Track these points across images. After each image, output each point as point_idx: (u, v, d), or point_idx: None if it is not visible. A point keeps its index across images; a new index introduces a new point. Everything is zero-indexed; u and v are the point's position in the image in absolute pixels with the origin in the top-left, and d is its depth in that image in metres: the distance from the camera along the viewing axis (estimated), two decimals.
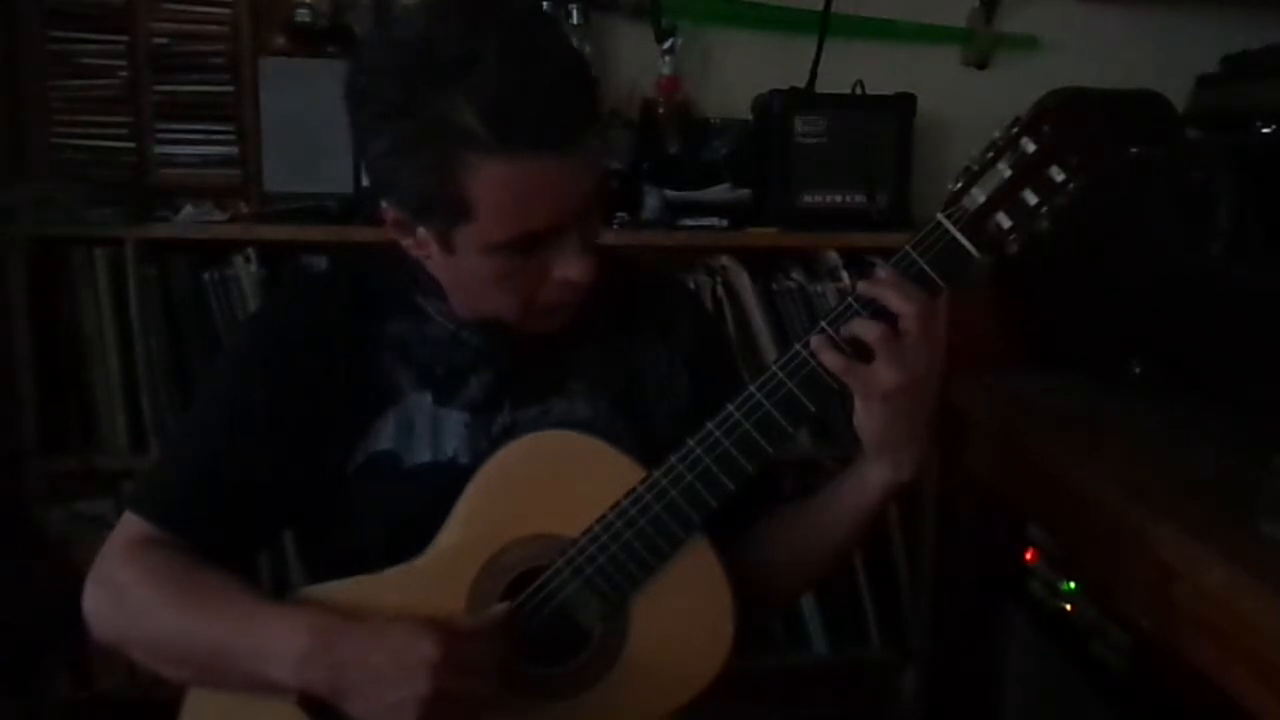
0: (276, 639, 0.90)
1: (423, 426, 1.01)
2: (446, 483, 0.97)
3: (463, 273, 0.97)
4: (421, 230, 0.95)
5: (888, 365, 0.89)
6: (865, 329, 0.89)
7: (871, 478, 0.97)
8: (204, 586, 0.94)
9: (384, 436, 1.01)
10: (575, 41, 1.82)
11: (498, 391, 1.03)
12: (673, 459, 0.94)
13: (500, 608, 0.94)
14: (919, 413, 0.92)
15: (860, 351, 0.90)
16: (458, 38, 0.85)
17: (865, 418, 0.93)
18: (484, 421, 1.02)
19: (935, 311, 0.90)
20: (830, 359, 0.90)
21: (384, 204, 0.95)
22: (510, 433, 1.01)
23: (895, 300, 0.89)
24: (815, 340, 0.91)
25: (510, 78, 0.84)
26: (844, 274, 1.94)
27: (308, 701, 0.90)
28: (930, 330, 0.89)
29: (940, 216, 0.91)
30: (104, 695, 1.85)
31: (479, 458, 0.99)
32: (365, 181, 1.82)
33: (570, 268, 0.94)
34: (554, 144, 0.87)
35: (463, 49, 0.85)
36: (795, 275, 1.98)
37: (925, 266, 0.90)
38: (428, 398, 1.02)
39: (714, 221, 1.93)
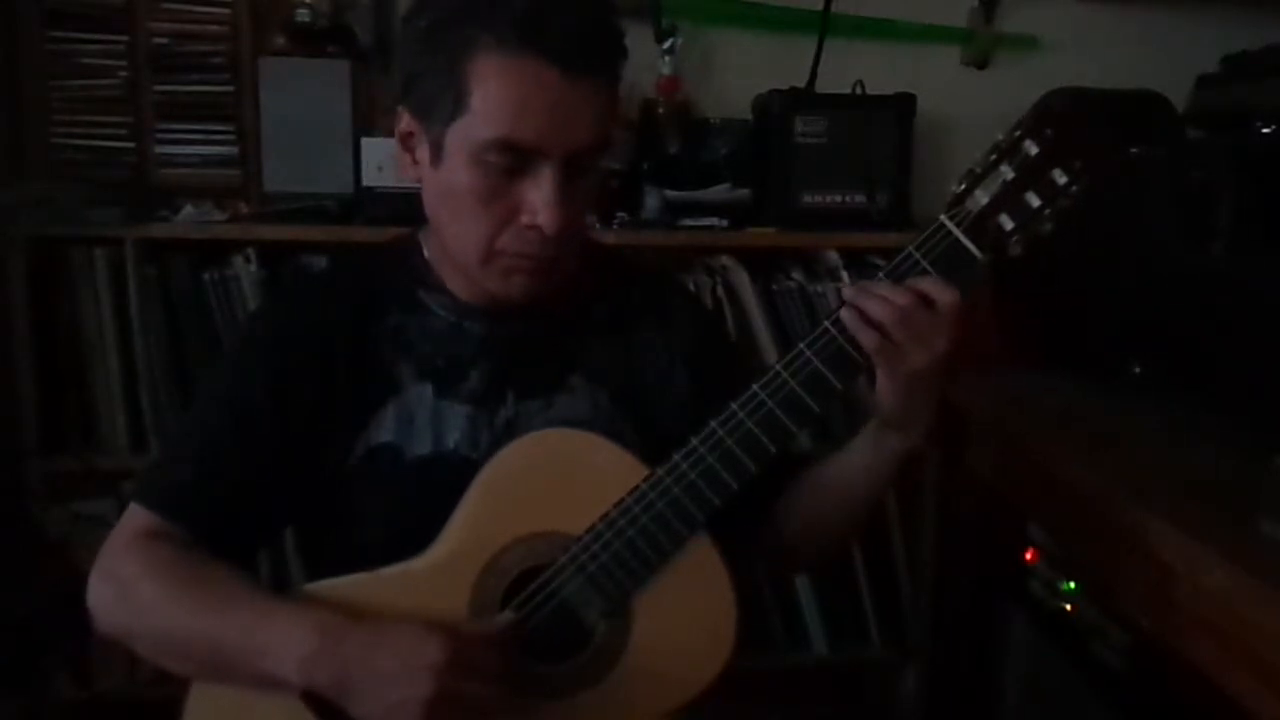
0: (282, 637, 0.90)
1: (423, 418, 1.02)
2: (447, 475, 0.98)
3: (444, 190, 0.97)
4: (423, 147, 0.97)
5: (917, 347, 0.90)
6: (907, 305, 0.90)
7: (889, 445, 1.00)
8: (209, 582, 0.94)
9: (384, 429, 1.01)
10: None
11: (499, 384, 1.03)
12: (676, 456, 0.94)
13: (505, 617, 0.94)
14: (935, 390, 0.95)
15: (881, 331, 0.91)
16: None
17: (887, 392, 0.94)
18: (486, 414, 1.03)
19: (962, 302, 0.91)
20: (866, 337, 0.91)
21: (400, 110, 0.99)
22: (512, 426, 1.02)
23: (934, 289, 0.90)
24: (847, 317, 0.91)
25: None
26: (844, 274, 1.94)
27: (312, 696, 0.90)
28: (958, 318, 0.91)
29: (943, 218, 0.91)
30: (104, 695, 1.85)
31: (480, 450, 0.99)
32: (366, 181, 1.83)
33: (539, 213, 0.93)
34: (565, 61, 0.90)
35: None
36: (795, 275, 1.98)
37: (928, 267, 0.91)
38: (429, 389, 1.02)
39: (714, 221, 1.93)
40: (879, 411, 0.97)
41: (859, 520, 1.10)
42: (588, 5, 0.93)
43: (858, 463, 1.03)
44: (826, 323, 0.93)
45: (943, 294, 0.90)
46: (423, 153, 0.98)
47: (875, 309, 0.90)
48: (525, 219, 0.95)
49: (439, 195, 0.99)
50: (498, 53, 0.90)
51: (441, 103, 0.93)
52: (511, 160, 0.92)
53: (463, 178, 0.94)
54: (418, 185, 1.02)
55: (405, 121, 0.98)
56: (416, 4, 0.97)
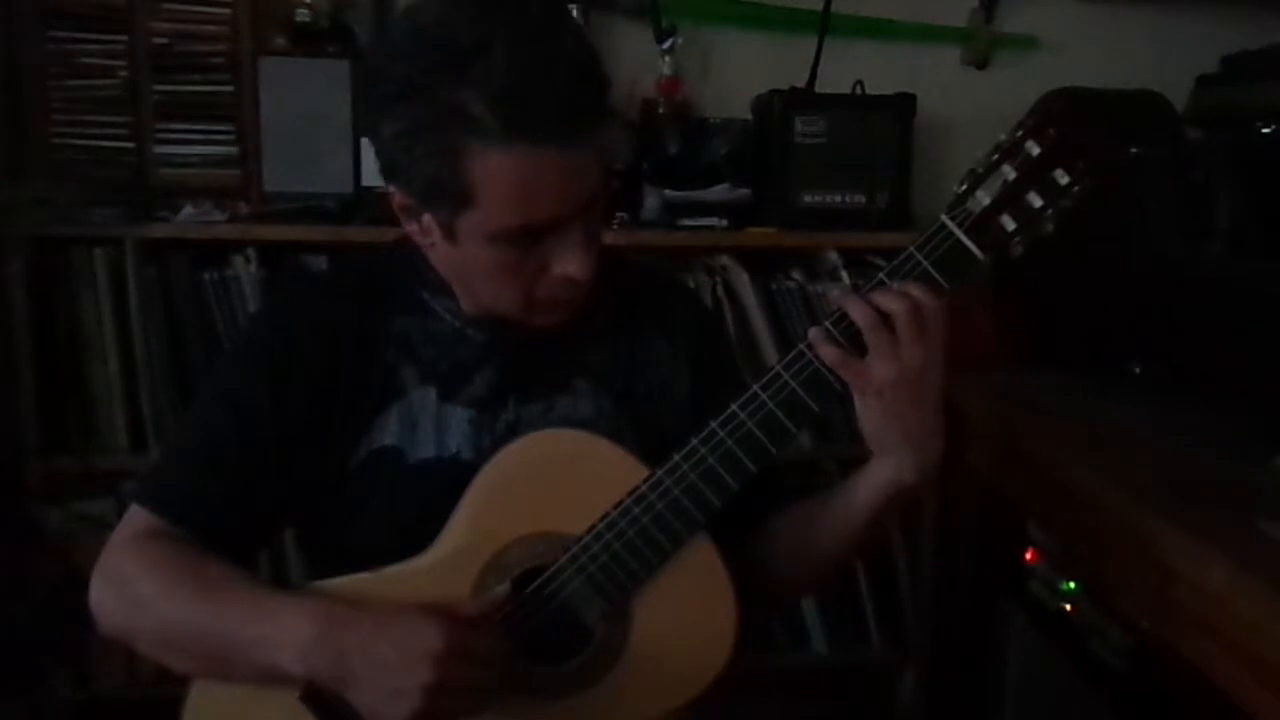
0: (282, 627, 0.90)
1: (426, 423, 1.02)
2: (449, 479, 0.98)
3: (465, 262, 0.97)
4: (426, 216, 0.95)
5: (880, 360, 0.90)
6: (860, 319, 0.90)
7: (873, 477, 0.97)
8: (209, 577, 0.94)
9: (388, 432, 1.01)
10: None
11: (502, 388, 1.03)
12: (676, 457, 0.94)
13: (501, 588, 0.94)
14: (914, 412, 0.92)
15: (860, 348, 0.91)
16: (472, 24, 0.86)
17: (861, 414, 0.93)
18: (488, 418, 1.02)
19: (935, 312, 0.90)
20: (826, 351, 0.91)
21: (391, 187, 0.96)
22: (514, 430, 1.02)
23: (886, 299, 0.90)
24: (814, 333, 0.92)
25: (520, 68, 0.85)
26: (844, 274, 1.94)
27: (311, 696, 0.91)
28: (926, 329, 0.89)
29: (944, 218, 0.91)
30: (104, 695, 1.85)
31: (482, 454, 0.99)
32: (366, 182, 1.83)
33: (570, 263, 0.94)
34: (560, 138, 0.87)
35: (476, 36, 0.86)
36: (795, 275, 1.98)
37: (929, 267, 0.91)
38: (432, 394, 1.02)
39: (714, 221, 1.93)
40: (863, 436, 0.95)
41: (829, 563, 1.06)
42: (562, 63, 0.88)
43: (848, 493, 1.00)
44: (826, 323, 0.93)
45: (893, 302, 0.89)
46: (429, 224, 0.96)
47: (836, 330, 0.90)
48: (558, 270, 0.95)
49: (460, 265, 0.99)
50: (494, 150, 0.86)
51: (443, 193, 0.91)
52: (532, 236, 0.92)
53: (484, 256, 0.94)
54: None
55: (399, 198, 0.96)
56: (386, 85, 0.90)
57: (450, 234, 0.94)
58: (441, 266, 1.02)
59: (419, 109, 0.88)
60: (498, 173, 0.88)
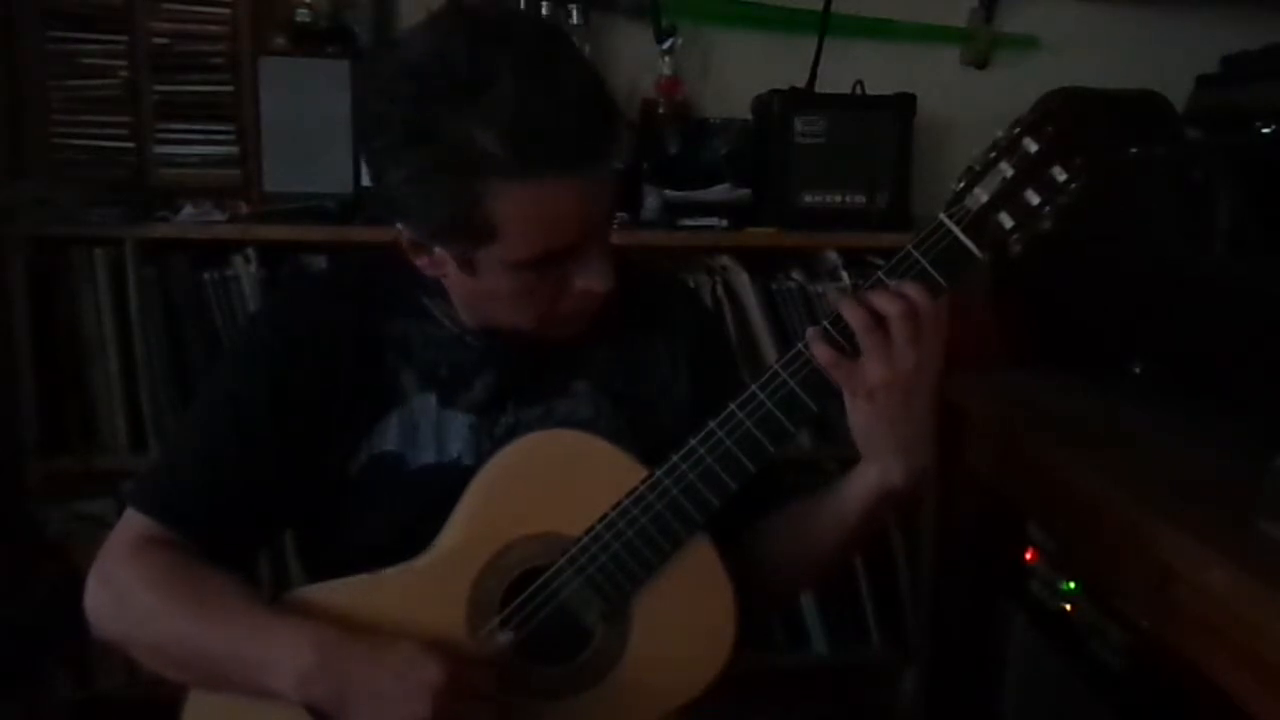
0: (279, 651, 0.89)
1: (427, 428, 1.01)
2: (450, 484, 0.97)
3: (483, 290, 0.97)
4: (439, 250, 0.95)
5: (873, 361, 0.89)
6: (854, 320, 0.90)
7: (862, 480, 0.96)
8: (207, 591, 0.93)
9: (388, 437, 1.01)
10: (575, 42, 1.82)
11: (501, 392, 1.03)
12: (675, 457, 0.94)
13: (505, 638, 0.94)
14: (905, 415, 0.91)
15: (856, 349, 0.90)
16: (469, 58, 0.84)
17: (852, 414, 0.93)
18: (488, 422, 1.02)
19: (931, 313, 0.89)
20: (820, 350, 0.91)
21: (398, 225, 0.95)
22: (514, 433, 1.01)
23: (881, 300, 0.89)
24: (811, 332, 0.91)
25: (528, 98, 0.84)
26: (844, 274, 1.94)
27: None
28: (921, 332, 0.89)
29: (942, 216, 0.91)
30: (104, 695, 1.85)
31: (483, 459, 0.99)
32: (366, 182, 1.83)
33: (593, 278, 0.94)
34: (577, 165, 0.87)
35: (476, 70, 0.84)
36: (795, 275, 1.98)
37: (927, 266, 0.90)
38: (432, 399, 1.02)
39: (714, 221, 1.93)
40: (854, 437, 0.95)
41: (821, 565, 1.05)
42: (569, 91, 0.86)
43: (839, 495, 0.99)
44: (825, 323, 0.92)
45: (888, 305, 0.89)
46: (443, 258, 0.95)
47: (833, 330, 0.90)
48: (580, 285, 0.95)
49: (477, 293, 0.98)
50: (514, 184, 0.86)
51: (461, 233, 0.90)
52: (552, 260, 0.92)
53: (504, 284, 0.94)
54: None
55: (407, 235, 0.95)
56: (388, 132, 0.88)
57: (468, 266, 0.94)
58: (453, 292, 1.01)
59: (428, 152, 0.86)
60: (519, 206, 0.87)
